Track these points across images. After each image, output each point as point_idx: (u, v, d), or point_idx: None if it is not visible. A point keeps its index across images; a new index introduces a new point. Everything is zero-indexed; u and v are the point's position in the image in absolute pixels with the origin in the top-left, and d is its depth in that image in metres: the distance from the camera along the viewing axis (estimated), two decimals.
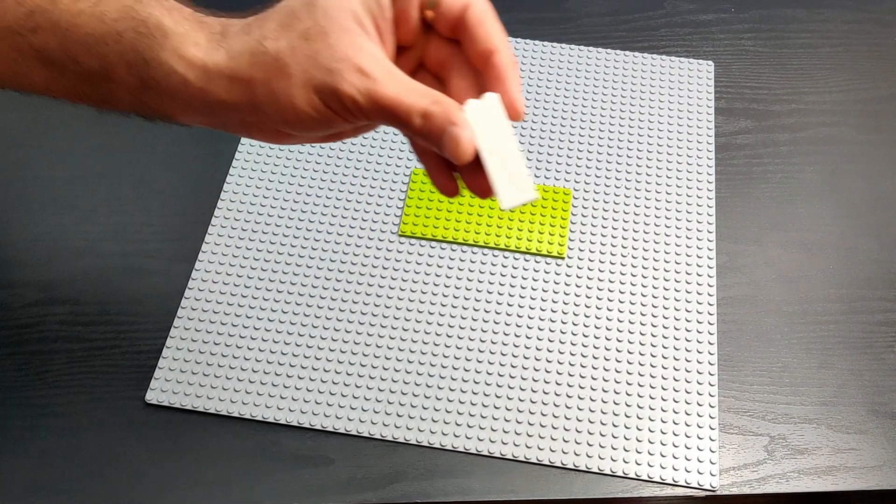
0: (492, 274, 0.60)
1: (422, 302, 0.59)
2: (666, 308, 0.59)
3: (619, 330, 0.58)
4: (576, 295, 0.60)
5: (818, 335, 0.59)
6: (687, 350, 0.58)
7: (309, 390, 0.55)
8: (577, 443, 0.54)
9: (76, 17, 0.39)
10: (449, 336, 0.58)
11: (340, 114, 0.37)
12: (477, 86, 0.39)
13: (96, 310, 0.58)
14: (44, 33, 0.40)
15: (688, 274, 0.61)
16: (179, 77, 0.38)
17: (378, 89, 0.36)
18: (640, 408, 0.55)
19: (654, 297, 0.60)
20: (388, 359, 0.56)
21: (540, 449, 0.53)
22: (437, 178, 0.41)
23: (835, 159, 0.69)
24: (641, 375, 0.56)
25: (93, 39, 0.39)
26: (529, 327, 0.58)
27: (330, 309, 0.58)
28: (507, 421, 0.54)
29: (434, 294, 0.59)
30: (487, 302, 0.59)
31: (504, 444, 0.54)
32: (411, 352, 0.57)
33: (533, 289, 0.60)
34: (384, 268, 0.60)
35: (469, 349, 0.57)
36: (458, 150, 0.36)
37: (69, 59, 0.40)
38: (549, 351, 0.57)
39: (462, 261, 0.61)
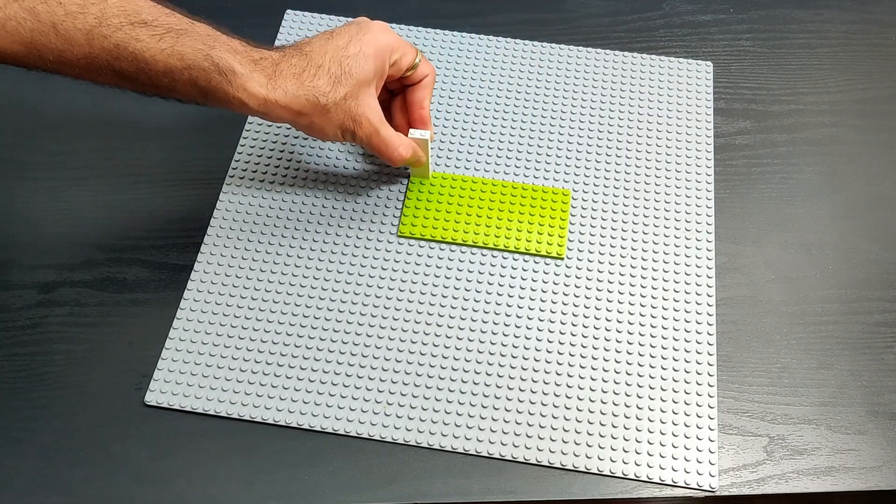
0: (491, 275, 0.61)
1: (421, 303, 0.59)
2: (665, 308, 0.59)
3: (618, 330, 0.58)
4: (575, 296, 0.60)
5: (817, 336, 0.59)
6: (686, 351, 0.58)
7: (308, 391, 0.55)
8: (577, 443, 0.54)
9: (157, 53, 0.50)
10: (448, 337, 0.58)
11: (351, 141, 0.58)
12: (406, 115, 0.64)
13: (95, 311, 0.58)
14: (125, 62, 0.50)
15: (687, 275, 0.61)
16: (240, 101, 0.53)
17: (377, 136, 0.57)
18: (640, 408, 0.55)
19: (654, 297, 0.60)
20: (387, 360, 0.56)
21: (539, 450, 0.53)
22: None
23: (834, 160, 0.69)
24: (640, 376, 0.57)
25: (168, 70, 0.50)
26: (528, 328, 0.58)
27: (329, 310, 0.58)
28: (505, 422, 0.54)
29: (433, 295, 0.59)
30: (486, 303, 0.59)
31: (503, 444, 0.54)
32: (410, 353, 0.57)
33: (532, 289, 0.60)
34: (383, 268, 0.61)
35: (468, 350, 0.57)
36: (419, 166, 0.63)
37: (143, 77, 0.51)
38: (549, 352, 0.57)
39: (461, 261, 0.61)
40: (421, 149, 0.61)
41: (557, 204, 0.64)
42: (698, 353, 0.58)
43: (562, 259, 0.61)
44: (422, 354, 0.57)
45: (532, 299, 0.59)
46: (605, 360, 0.57)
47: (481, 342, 0.57)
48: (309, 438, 0.54)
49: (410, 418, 0.54)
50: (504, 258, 0.61)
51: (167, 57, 0.50)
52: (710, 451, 0.54)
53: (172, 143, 0.67)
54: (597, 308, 0.59)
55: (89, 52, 0.49)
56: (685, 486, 0.53)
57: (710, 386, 0.56)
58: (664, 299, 0.60)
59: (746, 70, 0.74)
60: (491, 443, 0.54)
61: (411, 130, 0.61)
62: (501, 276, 0.60)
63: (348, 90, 0.55)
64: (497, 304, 0.59)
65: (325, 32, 0.57)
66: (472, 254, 0.62)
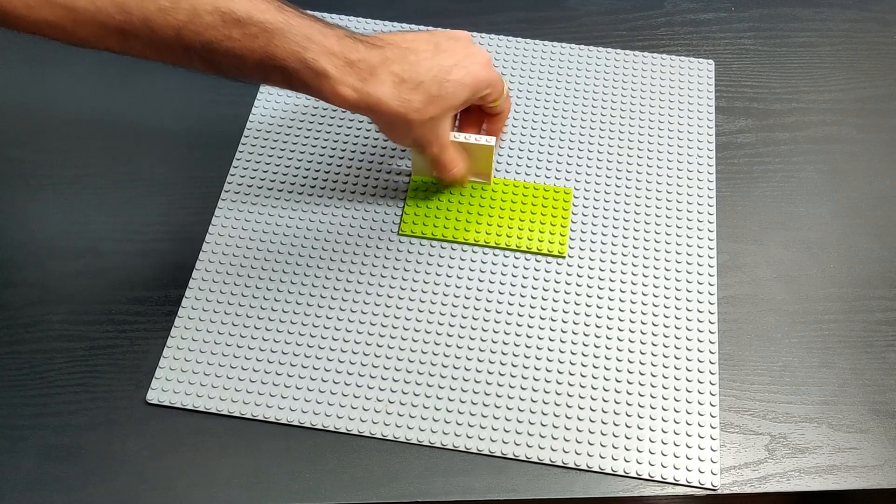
0: (492, 273, 0.60)
1: (422, 301, 0.59)
2: (667, 307, 0.59)
3: (619, 329, 0.58)
4: (576, 294, 0.60)
5: (819, 334, 0.59)
6: (688, 349, 0.58)
7: (310, 390, 0.55)
8: (578, 442, 0.54)
9: (250, 53, 0.50)
10: (449, 335, 0.58)
11: (416, 149, 0.60)
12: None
13: (97, 309, 0.58)
14: (218, 55, 0.50)
15: (688, 273, 0.61)
16: (325, 98, 0.53)
17: (444, 154, 0.59)
18: (641, 407, 0.55)
19: (655, 296, 0.60)
20: (388, 358, 0.56)
21: (541, 448, 0.53)
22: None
23: (835, 158, 0.69)
24: (642, 374, 0.56)
25: (261, 66, 0.51)
26: (530, 326, 0.58)
27: (330, 308, 0.58)
28: (507, 420, 0.54)
29: (434, 293, 0.59)
30: (488, 301, 0.59)
31: (505, 443, 0.54)
32: (412, 351, 0.57)
33: (534, 288, 0.60)
34: (384, 267, 0.60)
35: (469, 348, 0.57)
36: (461, 182, 0.64)
37: (235, 71, 0.51)
38: (550, 350, 0.57)
39: (462, 260, 0.61)
40: (483, 156, 0.62)
41: (559, 202, 0.64)
42: (700, 351, 0.58)
43: (563, 258, 0.61)
44: (423, 353, 0.57)
45: (533, 298, 0.59)
46: (607, 358, 0.57)
47: (482, 341, 0.57)
48: (310, 436, 0.54)
49: (412, 416, 0.54)
50: (505, 257, 0.61)
51: (260, 57, 0.50)
52: (712, 450, 0.54)
53: (175, 140, 0.67)
54: (598, 307, 0.59)
55: (180, 45, 0.49)
56: (687, 484, 0.53)
57: (712, 384, 0.56)
58: (665, 298, 0.60)
59: (748, 68, 0.74)
60: (493, 441, 0.54)
61: (473, 136, 0.61)
62: (503, 274, 0.60)
63: (437, 112, 0.55)
64: (498, 302, 0.59)
65: (430, 38, 0.56)
66: (474, 252, 0.61)
